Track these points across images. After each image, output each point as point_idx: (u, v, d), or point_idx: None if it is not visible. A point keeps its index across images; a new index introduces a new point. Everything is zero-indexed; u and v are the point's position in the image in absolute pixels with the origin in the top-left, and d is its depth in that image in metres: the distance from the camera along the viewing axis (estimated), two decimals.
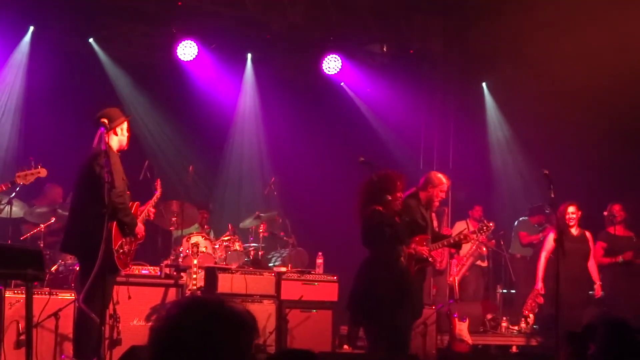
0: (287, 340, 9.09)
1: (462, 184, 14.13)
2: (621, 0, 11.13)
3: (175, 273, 9.22)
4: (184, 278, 9.17)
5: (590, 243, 9.77)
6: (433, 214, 7.73)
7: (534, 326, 10.90)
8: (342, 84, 13.73)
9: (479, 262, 12.17)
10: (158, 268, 8.97)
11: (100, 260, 6.31)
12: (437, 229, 8.94)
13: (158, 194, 8.05)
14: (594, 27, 11.05)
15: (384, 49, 13.69)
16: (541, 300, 10.55)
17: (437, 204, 7.97)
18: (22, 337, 7.29)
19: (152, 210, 7.62)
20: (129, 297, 8.22)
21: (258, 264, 10.52)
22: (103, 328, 6.36)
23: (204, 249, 9.87)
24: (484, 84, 14.32)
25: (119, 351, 7.50)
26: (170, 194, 10.96)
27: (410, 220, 7.47)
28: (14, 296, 7.50)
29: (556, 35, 11.61)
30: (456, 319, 10.20)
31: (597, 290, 9.75)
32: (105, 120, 6.78)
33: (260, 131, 13.33)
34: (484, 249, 12.05)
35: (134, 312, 8.27)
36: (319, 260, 10.35)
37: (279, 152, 12.93)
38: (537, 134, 12.79)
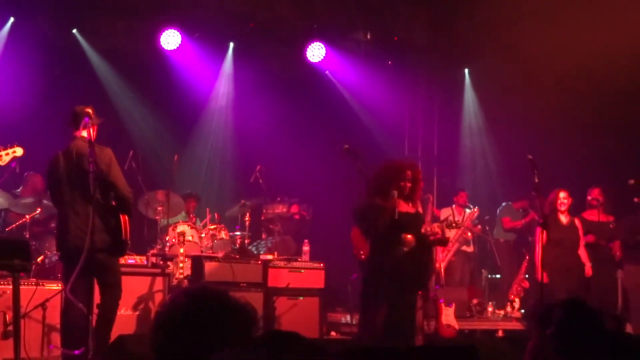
0: (275, 327, 9.12)
1: (447, 171, 14.25)
2: None
3: (161, 262, 9.25)
4: (171, 267, 9.21)
5: (580, 231, 9.76)
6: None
7: (520, 310, 10.96)
8: (326, 72, 13.73)
9: (464, 248, 12.23)
10: (144, 257, 8.99)
11: (86, 252, 6.33)
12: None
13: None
14: (576, 15, 11.09)
15: (368, 37, 13.69)
16: (527, 284, 10.63)
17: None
18: (10, 328, 7.29)
19: None
20: None
21: (244, 252, 10.55)
22: (90, 317, 6.38)
23: (190, 238, 9.88)
24: (466, 71, 14.40)
25: None
26: (155, 183, 10.99)
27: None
28: (0, 287, 7.51)
29: (539, 22, 11.65)
30: (442, 305, 10.25)
31: (588, 270, 9.74)
32: (90, 110, 6.76)
33: (244, 120, 13.31)
34: (469, 234, 12.11)
35: (121, 301, 8.26)
36: (305, 248, 10.39)
37: (264, 141, 12.93)
38: (520, 120, 12.85)
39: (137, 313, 8.47)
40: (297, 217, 12.24)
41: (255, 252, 11.17)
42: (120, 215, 6.79)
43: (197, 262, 9.28)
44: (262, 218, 11.78)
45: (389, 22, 13.57)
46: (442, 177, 14.28)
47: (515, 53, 12.08)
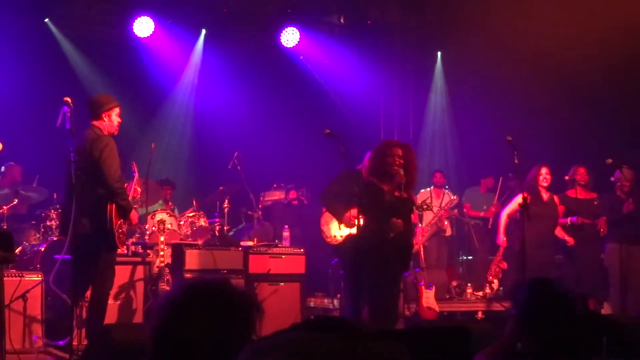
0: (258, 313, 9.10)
1: (422, 153, 14.28)
2: None
3: (142, 250, 9.20)
4: (151, 255, 9.15)
5: (559, 208, 9.80)
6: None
7: (499, 290, 11.01)
8: (300, 57, 13.69)
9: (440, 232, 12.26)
10: (124, 246, 8.92)
11: (70, 242, 6.32)
12: None
13: (137, 176, 8.58)
14: None
15: (342, 21, 13.69)
16: (505, 265, 10.67)
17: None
18: None
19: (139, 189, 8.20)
20: None
21: (224, 239, 10.51)
22: (75, 308, 6.35)
23: (169, 226, 9.83)
24: (438, 53, 14.44)
25: None
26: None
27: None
28: None
29: (514, 2, 11.68)
30: (423, 287, 10.30)
31: (570, 241, 9.77)
32: (69, 99, 6.77)
33: (219, 107, 13.23)
34: (446, 223, 12.03)
35: None
36: (286, 234, 10.37)
37: (241, 127, 12.87)
38: (496, 101, 12.89)
39: (119, 302, 8.43)
40: (295, 202, 12.20)
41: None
42: (108, 205, 6.81)
43: (178, 250, 9.23)
44: (260, 206, 11.74)
45: (362, 5, 13.58)
46: (419, 159, 14.29)
47: (489, 33, 12.07)
